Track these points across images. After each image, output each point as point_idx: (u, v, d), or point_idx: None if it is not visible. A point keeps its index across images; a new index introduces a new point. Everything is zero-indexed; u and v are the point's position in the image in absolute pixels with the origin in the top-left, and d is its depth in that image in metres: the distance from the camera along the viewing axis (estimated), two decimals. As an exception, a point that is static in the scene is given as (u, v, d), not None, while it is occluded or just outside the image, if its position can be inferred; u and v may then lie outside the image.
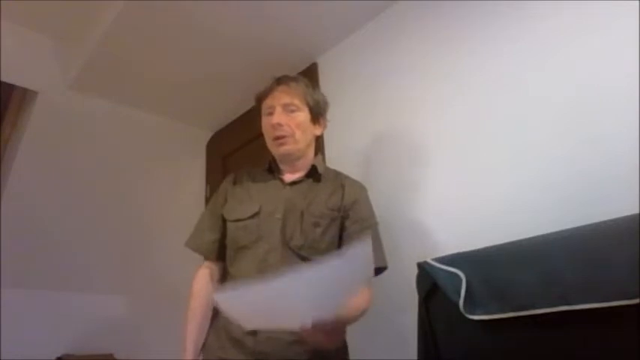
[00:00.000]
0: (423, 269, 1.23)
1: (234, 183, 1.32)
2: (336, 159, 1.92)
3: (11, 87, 2.14)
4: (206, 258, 1.29)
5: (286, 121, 1.23)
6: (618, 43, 1.19)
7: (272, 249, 1.14)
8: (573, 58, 1.29)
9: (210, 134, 2.80)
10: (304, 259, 1.13)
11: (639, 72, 1.13)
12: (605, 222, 0.99)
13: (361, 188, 1.31)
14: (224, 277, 1.28)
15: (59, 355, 2.17)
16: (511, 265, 1.06)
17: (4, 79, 2.05)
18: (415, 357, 1.21)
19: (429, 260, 1.23)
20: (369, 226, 1.22)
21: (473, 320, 1.05)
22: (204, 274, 1.27)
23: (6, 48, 2.00)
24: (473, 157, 1.46)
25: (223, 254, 1.27)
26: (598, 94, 1.21)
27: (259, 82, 1.36)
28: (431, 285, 1.19)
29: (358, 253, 0.84)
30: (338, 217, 1.20)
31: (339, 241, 1.20)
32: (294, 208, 1.19)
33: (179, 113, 2.57)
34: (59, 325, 2.25)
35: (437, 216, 1.50)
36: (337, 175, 1.33)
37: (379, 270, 1.20)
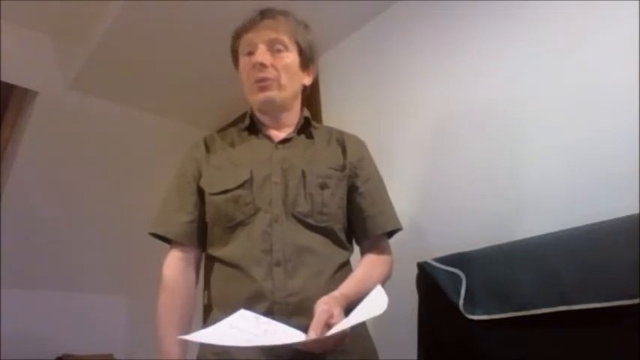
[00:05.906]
0: (423, 269, 1.23)
1: (207, 150, 1.11)
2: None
3: (11, 87, 2.14)
4: (180, 244, 1.04)
5: (271, 61, 1.04)
6: (618, 43, 1.19)
7: (274, 220, 0.95)
8: (573, 58, 1.28)
9: (210, 134, 2.79)
10: (312, 228, 0.97)
11: (639, 72, 1.13)
12: (605, 222, 0.99)
13: (362, 143, 1.16)
14: (207, 265, 1.04)
15: (59, 355, 2.17)
16: (511, 265, 1.06)
17: (4, 79, 2.05)
18: (415, 357, 1.21)
19: (429, 260, 1.23)
20: (380, 184, 1.12)
21: (473, 320, 1.05)
22: (176, 260, 1.03)
23: (6, 48, 2.00)
24: (473, 156, 1.46)
25: (200, 238, 1.04)
26: (598, 94, 1.21)
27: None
28: (431, 285, 1.19)
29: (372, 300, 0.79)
30: (344, 176, 1.05)
31: (348, 203, 1.05)
32: (293, 169, 1.00)
33: (179, 113, 2.56)
34: (59, 325, 2.25)
35: (437, 216, 1.50)
36: (329, 129, 1.16)
37: (394, 232, 1.09)
